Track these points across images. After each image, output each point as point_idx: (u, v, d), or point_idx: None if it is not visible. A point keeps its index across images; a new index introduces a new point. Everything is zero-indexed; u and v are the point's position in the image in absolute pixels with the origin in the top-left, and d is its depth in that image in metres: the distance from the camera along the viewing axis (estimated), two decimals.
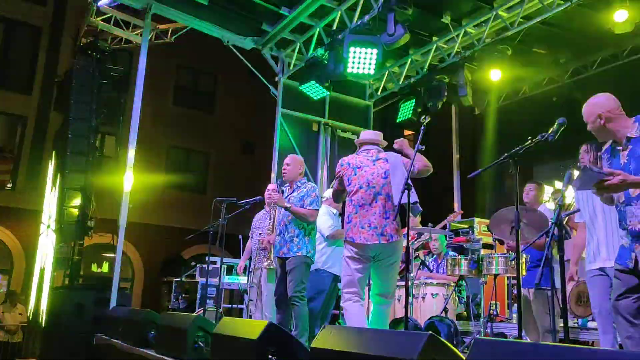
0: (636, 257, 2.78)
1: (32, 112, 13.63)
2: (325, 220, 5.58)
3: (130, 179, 6.98)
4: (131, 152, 7.09)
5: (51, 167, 9.15)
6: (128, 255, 14.04)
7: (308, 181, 5.04)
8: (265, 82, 9.16)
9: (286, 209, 4.72)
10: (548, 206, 5.07)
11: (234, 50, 8.81)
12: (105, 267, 14.41)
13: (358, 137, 4.48)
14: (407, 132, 15.70)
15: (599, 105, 2.94)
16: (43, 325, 7.33)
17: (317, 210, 4.80)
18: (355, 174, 4.11)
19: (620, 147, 2.93)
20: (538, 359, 1.77)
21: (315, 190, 4.86)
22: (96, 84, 7.84)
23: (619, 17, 7.37)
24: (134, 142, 7.29)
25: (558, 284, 3.69)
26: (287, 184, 5.01)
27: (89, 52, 8.26)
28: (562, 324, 4.69)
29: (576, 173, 2.99)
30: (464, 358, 2.13)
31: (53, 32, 14.20)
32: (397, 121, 9.52)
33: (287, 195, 4.90)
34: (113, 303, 6.22)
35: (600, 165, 3.17)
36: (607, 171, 2.72)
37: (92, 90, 7.78)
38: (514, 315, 6.20)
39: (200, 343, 3.89)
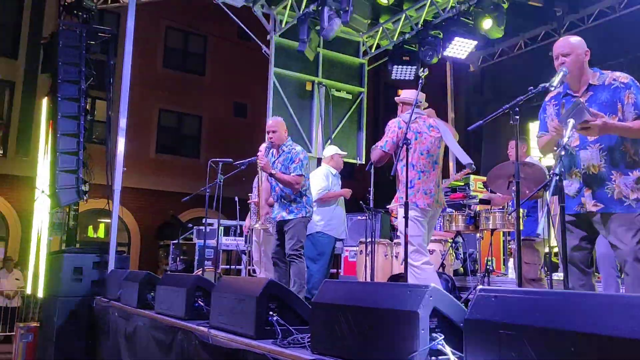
0: (585, 200, 2.88)
1: (19, 77, 13.33)
2: (318, 182, 5.55)
3: (123, 144, 6.89)
4: (123, 117, 6.97)
5: (42, 131, 9.01)
6: (124, 220, 14.04)
7: (293, 142, 4.98)
8: (257, 41, 8.97)
9: (271, 175, 4.70)
10: (536, 159, 5.09)
11: (224, 8, 8.58)
12: (101, 232, 14.42)
13: (399, 96, 4.41)
14: (400, 92, 15.54)
15: (582, 44, 3.00)
16: (42, 290, 7.36)
17: (301, 175, 4.76)
18: (417, 139, 4.10)
19: (578, 94, 2.99)
20: (541, 306, 1.78)
21: (299, 155, 4.80)
22: (84, 45, 7.63)
23: None
24: (125, 106, 7.14)
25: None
26: (273, 149, 4.97)
27: (75, 11, 8.01)
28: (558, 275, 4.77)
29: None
30: (466, 309, 2.14)
31: None
32: None
33: (275, 160, 4.85)
34: (111, 267, 6.23)
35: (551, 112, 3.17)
36: (593, 111, 2.75)
37: (80, 51, 7.57)
38: (510, 270, 6.28)
39: (201, 302, 3.91)
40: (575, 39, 3.04)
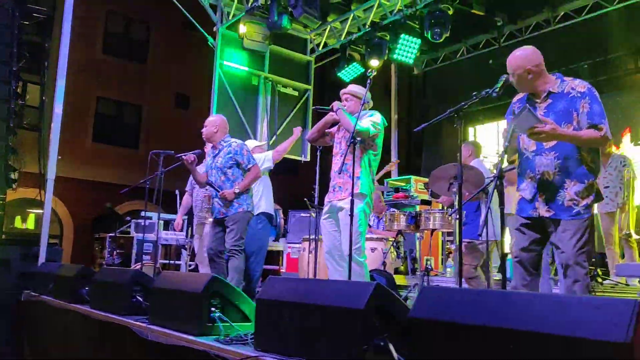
0: (539, 205, 2.96)
1: None
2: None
3: (58, 131, 6.58)
4: (59, 103, 6.65)
5: None
6: (56, 211, 13.40)
7: (231, 137, 4.92)
8: (203, 32, 8.78)
9: (237, 195, 4.62)
10: (483, 162, 5.26)
11: None
12: (30, 223, 13.71)
13: (354, 92, 4.23)
14: None
15: (527, 59, 3.02)
16: None
17: (256, 164, 4.74)
18: None
19: (538, 100, 3.05)
20: (482, 305, 1.84)
21: (243, 148, 4.73)
22: (16, 25, 7.20)
23: None
24: (61, 92, 6.82)
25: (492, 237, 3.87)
26: (212, 146, 4.90)
27: None
28: (495, 277, 4.96)
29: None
30: (409, 307, 2.19)
31: None
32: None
33: (214, 157, 4.79)
34: (42, 259, 5.93)
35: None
36: (541, 118, 2.82)
37: (12, 30, 7.14)
38: (448, 270, 6.48)
39: (139, 297, 3.80)
40: (519, 57, 3.04)
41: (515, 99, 3.24)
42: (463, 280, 4.66)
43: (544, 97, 3.03)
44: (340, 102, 4.17)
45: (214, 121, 4.87)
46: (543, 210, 2.95)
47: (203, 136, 4.88)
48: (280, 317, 2.48)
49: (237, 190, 4.59)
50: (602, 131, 2.84)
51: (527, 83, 3.04)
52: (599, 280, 5.19)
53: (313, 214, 5.45)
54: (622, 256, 5.85)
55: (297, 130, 5.62)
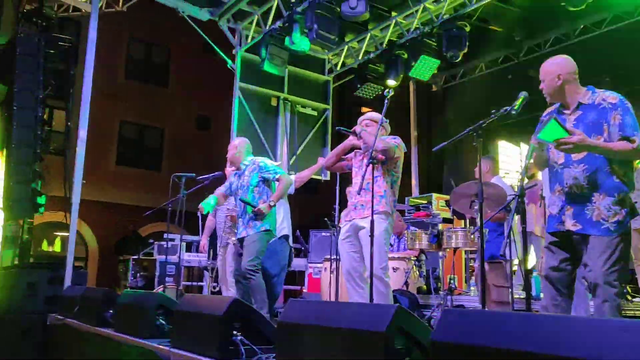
0: (566, 219, 2.87)
1: None
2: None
3: (82, 156, 6.72)
4: (83, 128, 6.81)
5: None
6: (81, 234, 13.62)
7: (254, 157, 4.98)
8: (222, 55, 8.93)
9: (272, 207, 4.65)
10: (504, 179, 5.21)
11: (189, 21, 8.53)
12: (57, 246, 13.94)
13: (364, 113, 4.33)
14: (364, 109, 15.73)
15: (560, 65, 3.01)
16: None
17: (284, 173, 4.78)
18: None
19: (568, 111, 3.00)
20: (505, 328, 1.81)
21: (265, 161, 4.82)
22: (42, 54, 7.41)
23: None
24: (85, 117, 6.99)
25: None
26: (235, 170, 4.97)
27: (34, 19, 7.80)
28: (519, 295, 4.86)
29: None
30: (431, 329, 2.16)
31: None
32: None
33: (240, 177, 4.84)
34: (68, 282, 6.02)
35: None
36: (569, 128, 2.76)
37: (38, 60, 7.35)
38: (472, 288, 6.39)
39: (162, 321, 3.82)
40: (551, 64, 3.04)
41: (544, 113, 3.19)
42: (491, 302, 4.59)
43: (574, 109, 2.97)
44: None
45: (237, 144, 4.97)
46: (570, 224, 2.85)
47: (228, 159, 4.97)
48: (301, 340, 2.47)
49: (272, 203, 4.62)
50: (634, 143, 2.76)
51: (556, 90, 2.99)
52: (629, 297, 5.06)
53: (333, 233, 5.44)
54: None
55: (321, 160, 5.70)
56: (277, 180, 4.72)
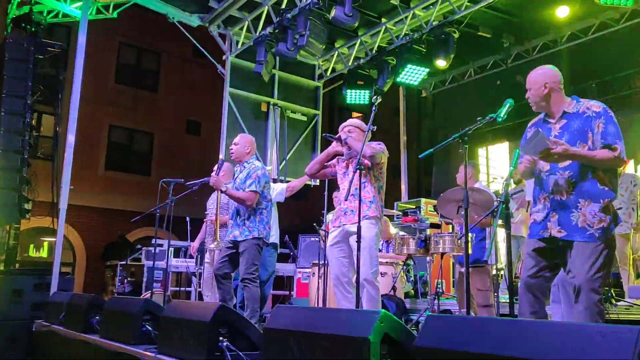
0: (551, 225, 2.89)
1: None
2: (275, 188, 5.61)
3: (70, 161, 6.69)
4: (71, 133, 6.79)
5: None
6: (69, 239, 13.52)
7: (256, 160, 4.94)
8: (213, 60, 8.94)
9: (221, 191, 4.64)
10: (492, 185, 5.26)
11: (180, 27, 8.53)
12: (44, 252, 13.83)
13: (355, 124, 4.25)
14: (355, 115, 15.78)
15: (546, 74, 3.06)
16: None
17: (255, 192, 4.58)
18: None
19: (553, 120, 3.05)
20: (488, 333, 1.83)
21: (257, 171, 4.66)
22: (32, 59, 7.38)
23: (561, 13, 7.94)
24: (74, 122, 6.97)
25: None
26: (237, 165, 4.93)
27: (23, 24, 7.77)
28: (504, 300, 4.89)
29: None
30: (415, 334, 2.18)
31: None
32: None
33: (236, 176, 4.84)
34: (54, 288, 5.97)
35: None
36: (552, 140, 2.81)
37: (27, 65, 7.31)
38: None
39: (148, 327, 3.80)
40: (538, 73, 3.10)
41: (530, 124, 3.23)
42: (477, 306, 4.62)
43: (559, 117, 3.02)
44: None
45: (248, 142, 4.84)
46: (555, 230, 2.88)
47: (232, 153, 4.84)
48: (287, 346, 2.47)
49: (223, 188, 4.59)
50: (616, 151, 2.81)
51: (542, 99, 3.04)
52: (613, 301, 5.10)
53: (322, 238, 5.46)
54: (638, 276, 5.75)
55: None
56: (244, 190, 4.61)
